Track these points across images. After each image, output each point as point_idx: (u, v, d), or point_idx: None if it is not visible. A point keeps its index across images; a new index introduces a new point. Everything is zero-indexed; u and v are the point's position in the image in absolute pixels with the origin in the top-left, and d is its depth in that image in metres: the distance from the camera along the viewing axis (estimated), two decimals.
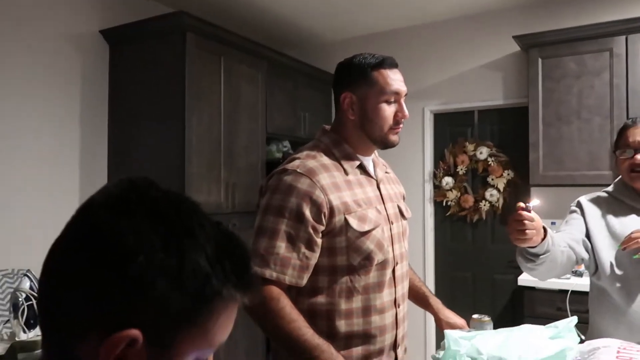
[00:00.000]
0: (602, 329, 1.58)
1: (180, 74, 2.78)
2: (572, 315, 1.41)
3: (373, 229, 1.32)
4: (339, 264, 1.30)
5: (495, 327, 1.45)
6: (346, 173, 1.36)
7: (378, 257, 1.32)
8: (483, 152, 3.64)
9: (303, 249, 1.25)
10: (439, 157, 3.86)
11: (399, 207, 1.48)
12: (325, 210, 1.27)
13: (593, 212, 1.66)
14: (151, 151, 2.90)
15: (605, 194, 1.71)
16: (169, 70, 2.83)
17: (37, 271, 1.06)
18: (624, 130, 1.62)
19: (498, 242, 3.65)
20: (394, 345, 1.40)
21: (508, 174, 3.58)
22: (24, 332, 2.06)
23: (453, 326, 1.53)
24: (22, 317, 2.06)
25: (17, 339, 2.05)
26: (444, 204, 3.80)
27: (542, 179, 3.15)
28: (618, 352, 1.16)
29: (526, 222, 1.28)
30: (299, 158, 1.35)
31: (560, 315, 2.69)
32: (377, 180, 1.43)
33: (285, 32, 4.01)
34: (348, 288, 1.30)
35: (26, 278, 2.16)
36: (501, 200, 3.60)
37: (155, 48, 2.90)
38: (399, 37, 3.95)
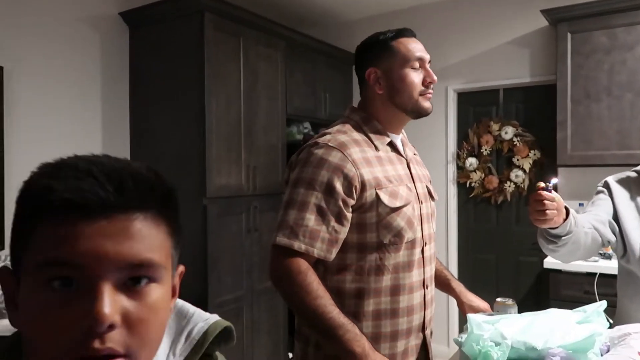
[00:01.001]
0: (631, 313, 1.53)
1: (199, 54, 2.76)
2: (599, 299, 1.36)
3: (404, 206, 1.31)
4: (368, 241, 1.29)
5: (519, 311, 1.42)
6: (377, 149, 1.35)
7: (408, 235, 1.31)
8: (508, 132, 3.55)
9: (333, 223, 1.24)
10: (462, 137, 3.79)
11: (427, 187, 1.47)
12: (357, 184, 1.26)
13: (621, 193, 1.60)
14: (172, 133, 2.90)
15: (634, 174, 1.64)
16: (188, 51, 2.82)
17: None
18: None
19: (523, 223, 3.57)
20: (423, 327, 1.39)
21: (534, 154, 3.49)
22: None
23: (476, 310, 1.51)
24: None
25: None
26: (468, 185, 3.74)
27: (569, 159, 3.06)
28: None
29: (546, 202, 1.25)
30: (329, 133, 1.34)
31: (587, 298, 2.63)
32: (406, 159, 1.42)
33: (302, 10, 3.94)
34: (377, 266, 1.29)
35: None
36: (527, 181, 3.51)
37: (174, 29, 2.89)
38: (420, 14, 3.85)
